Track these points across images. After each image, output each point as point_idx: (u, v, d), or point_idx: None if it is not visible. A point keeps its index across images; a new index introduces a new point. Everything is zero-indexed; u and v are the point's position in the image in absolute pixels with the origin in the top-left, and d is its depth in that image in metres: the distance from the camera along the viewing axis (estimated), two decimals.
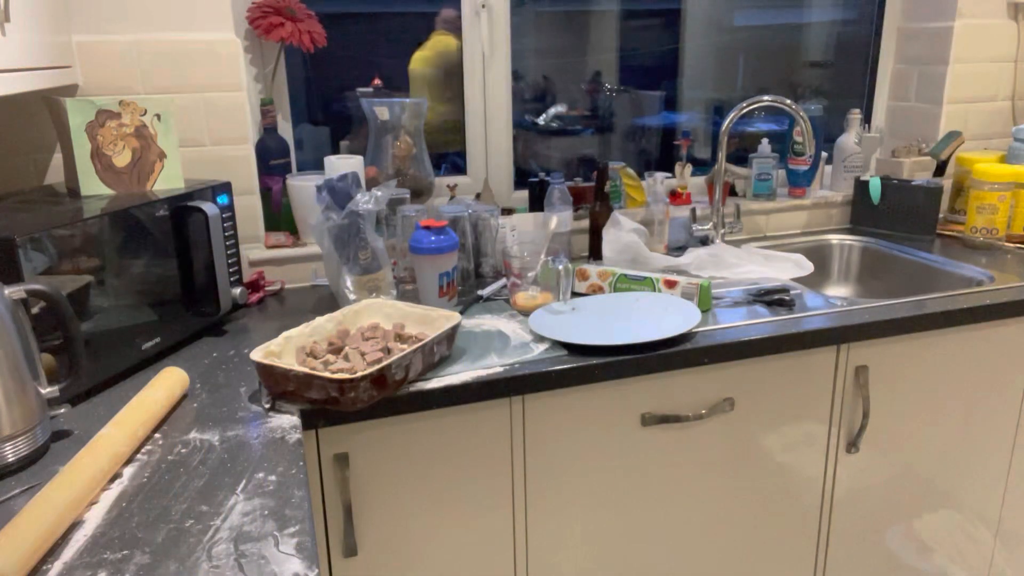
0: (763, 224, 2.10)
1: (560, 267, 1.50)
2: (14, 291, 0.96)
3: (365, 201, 1.44)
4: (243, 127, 1.60)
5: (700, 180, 2.20)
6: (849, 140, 2.14)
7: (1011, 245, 1.94)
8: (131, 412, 1.02)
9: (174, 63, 1.53)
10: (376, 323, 1.31)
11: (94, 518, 0.86)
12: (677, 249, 1.93)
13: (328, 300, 1.61)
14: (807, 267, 1.78)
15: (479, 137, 1.98)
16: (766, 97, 1.82)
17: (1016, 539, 1.81)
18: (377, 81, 1.90)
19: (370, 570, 1.28)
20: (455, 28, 1.92)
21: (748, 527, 1.54)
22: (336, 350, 1.21)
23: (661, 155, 2.30)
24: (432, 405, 1.21)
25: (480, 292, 1.62)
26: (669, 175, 2.00)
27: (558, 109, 2.24)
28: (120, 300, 1.21)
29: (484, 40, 1.90)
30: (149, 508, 0.88)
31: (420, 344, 1.19)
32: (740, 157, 2.23)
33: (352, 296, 1.45)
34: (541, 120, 2.23)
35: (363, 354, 1.17)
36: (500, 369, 1.25)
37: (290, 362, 1.17)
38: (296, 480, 0.94)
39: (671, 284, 1.53)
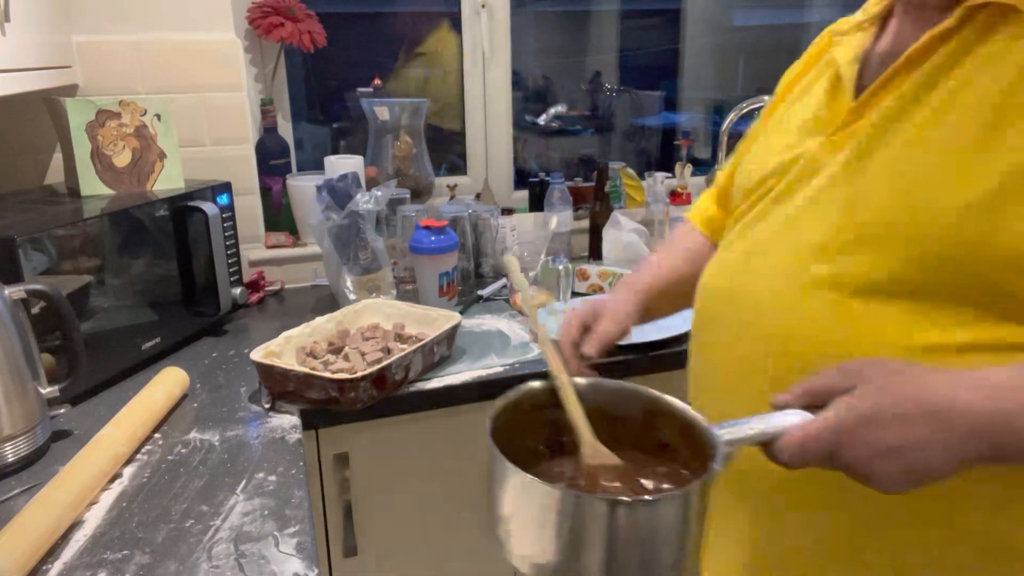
0: None
1: (560, 267, 1.50)
2: (14, 291, 0.96)
3: (365, 201, 1.44)
4: (243, 127, 1.60)
5: (700, 180, 2.20)
6: None
7: None
8: (131, 412, 1.02)
9: (174, 63, 1.53)
10: (376, 323, 1.31)
11: (94, 518, 0.86)
12: None
13: (328, 300, 1.61)
14: None
15: (479, 137, 1.98)
16: (766, 97, 1.82)
17: None
18: (377, 81, 1.90)
19: (370, 570, 1.28)
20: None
21: None
22: (336, 350, 1.21)
23: (661, 155, 2.30)
24: (432, 405, 1.21)
25: (480, 292, 1.62)
26: (669, 175, 2.00)
27: (558, 109, 2.24)
28: (120, 300, 1.21)
29: (484, 40, 1.90)
30: (149, 508, 0.88)
31: (420, 344, 1.19)
32: None
33: (352, 296, 1.45)
34: (541, 120, 2.23)
35: (363, 354, 1.17)
36: (500, 369, 1.25)
37: (290, 362, 1.17)
38: (296, 480, 0.94)
39: None
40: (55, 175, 1.53)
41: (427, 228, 1.47)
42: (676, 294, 0.92)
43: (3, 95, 1.08)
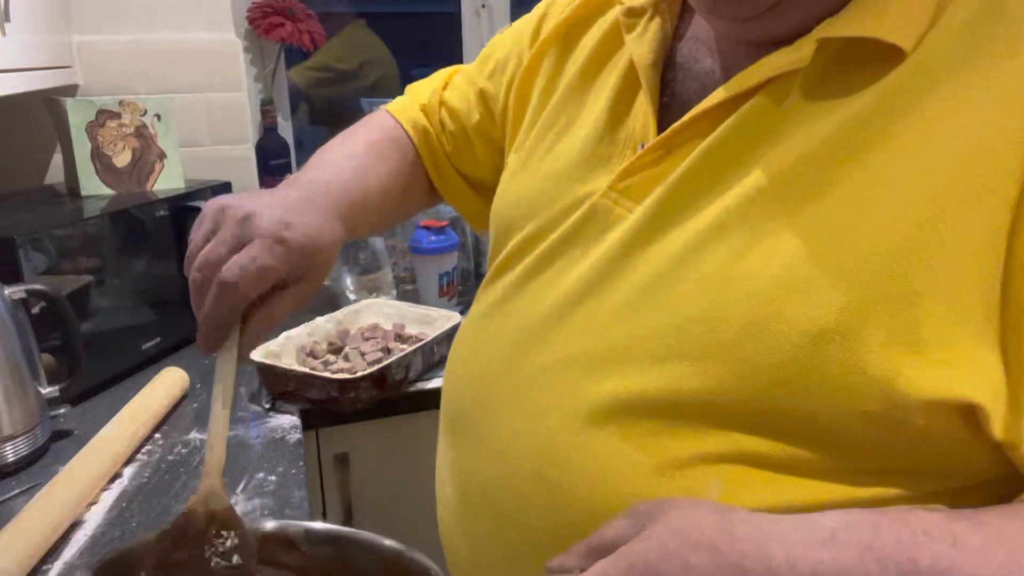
0: None
1: None
2: (14, 291, 0.96)
3: None
4: (243, 127, 1.60)
5: None
6: None
7: None
8: (131, 412, 1.02)
9: (174, 63, 1.53)
10: (376, 323, 1.31)
11: (94, 518, 0.86)
12: None
13: (328, 300, 1.61)
14: None
15: None
16: None
17: None
18: None
19: None
20: None
21: None
22: (336, 350, 1.21)
23: None
24: (432, 405, 1.20)
25: None
26: None
27: None
28: (120, 300, 1.21)
29: (484, 40, 1.90)
30: (149, 508, 0.88)
31: (420, 344, 1.19)
32: None
33: (352, 296, 1.45)
34: None
35: (363, 354, 1.17)
36: None
37: (290, 362, 1.17)
38: (296, 480, 0.94)
39: None
40: (55, 175, 1.53)
41: (427, 228, 1.47)
42: (373, 209, 0.66)
43: (3, 95, 1.08)
